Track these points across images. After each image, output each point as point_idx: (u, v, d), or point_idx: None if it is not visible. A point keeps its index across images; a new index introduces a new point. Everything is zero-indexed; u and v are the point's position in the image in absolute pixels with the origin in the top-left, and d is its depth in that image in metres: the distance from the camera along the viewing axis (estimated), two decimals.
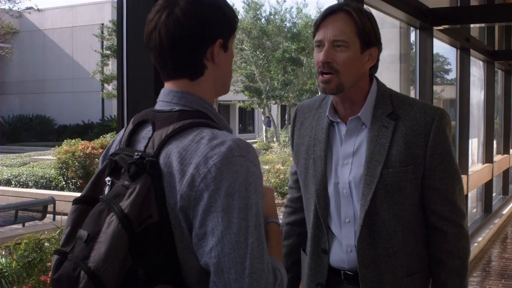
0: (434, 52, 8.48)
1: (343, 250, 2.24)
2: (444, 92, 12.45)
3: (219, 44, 1.57)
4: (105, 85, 31.94)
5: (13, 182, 16.57)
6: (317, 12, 29.20)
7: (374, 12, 6.01)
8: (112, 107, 32.66)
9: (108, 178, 1.53)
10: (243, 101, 33.77)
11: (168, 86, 1.60)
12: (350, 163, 2.21)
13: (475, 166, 10.07)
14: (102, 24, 32.31)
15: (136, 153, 1.47)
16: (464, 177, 8.19)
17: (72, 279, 1.38)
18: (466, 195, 8.24)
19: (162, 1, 1.56)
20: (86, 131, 33.58)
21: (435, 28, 6.23)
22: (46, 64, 39.21)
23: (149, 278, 1.40)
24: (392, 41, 6.45)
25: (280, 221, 1.76)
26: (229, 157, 1.41)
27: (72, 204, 1.55)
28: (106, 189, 1.52)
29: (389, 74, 6.42)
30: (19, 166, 19.50)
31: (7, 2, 25.04)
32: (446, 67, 11.18)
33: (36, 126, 37.32)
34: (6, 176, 16.87)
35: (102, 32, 31.62)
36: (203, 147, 1.43)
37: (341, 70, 2.10)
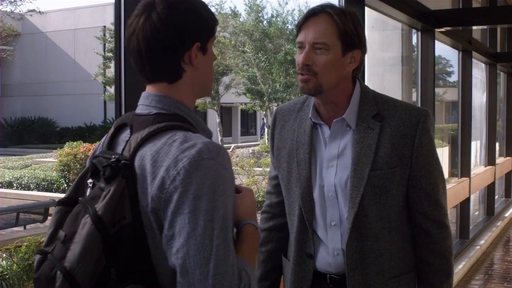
0: (436, 54, 8.45)
1: (329, 253, 2.23)
2: (446, 95, 12.44)
3: (196, 47, 1.60)
4: (107, 87, 31.94)
5: (14, 185, 16.58)
6: None
7: (375, 14, 6.02)
8: (114, 110, 32.69)
9: (89, 180, 1.57)
10: (245, 104, 33.75)
11: (148, 89, 1.64)
12: (335, 165, 2.20)
13: (478, 168, 10.06)
14: (104, 26, 32.30)
15: (113, 156, 1.51)
16: (466, 179, 8.18)
17: (50, 278, 1.43)
18: (468, 198, 8.22)
19: (141, 6, 1.60)
20: (88, 133, 33.63)
21: (437, 30, 6.21)
22: (48, 67, 39.24)
23: (122, 278, 1.43)
24: (394, 43, 6.44)
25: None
26: (198, 160, 1.44)
27: (56, 205, 1.59)
28: (88, 191, 1.57)
29: (391, 76, 6.41)
30: (21, 169, 19.51)
31: (9, 4, 25.05)
32: (448, 69, 11.18)
33: (38, 128, 37.34)
34: (7, 179, 16.88)
35: (104, 35, 31.63)
36: (174, 150, 1.46)
37: (319, 72, 2.09)
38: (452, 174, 9.05)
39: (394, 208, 2.17)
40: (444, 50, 8.53)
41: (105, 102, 35.01)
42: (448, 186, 7.58)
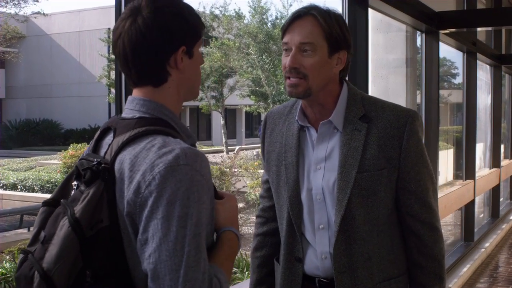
0: (441, 56, 8.42)
1: (317, 257, 2.21)
2: (451, 97, 12.39)
3: (182, 51, 1.61)
4: (112, 89, 31.97)
5: (19, 187, 16.61)
6: None
7: (379, 16, 5.99)
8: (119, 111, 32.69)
9: (75, 182, 1.58)
10: (250, 106, 33.74)
11: (134, 93, 1.66)
12: (323, 168, 2.18)
13: (482, 171, 10.02)
14: (109, 28, 32.34)
15: (95, 159, 1.52)
16: (471, 182, 8.15)
17: (28, 278, 1.45)
18: (473, 201, 8.18)
19: (127, 9, 1.62)
20: (92, 135, 33.42)
21: (441, 31, 6.19)
22: (53, 69, 39.34)
23: (97, 280, 1.44)
24: (398, 45, 6.42)
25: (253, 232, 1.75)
26: (174, 166, 1.44)
27: (41, 206, 1.61)
28: (72, 193, 1.58)
29: (395, 78, 6.39)
30: (25, 171, 19.54)
31: (13, 6, 25.08)
32: (453, 71, 11.13)
33: (43, 130, 37.42)
34: (12, 181, 16.91)
35: (109, 37, 31.63)
36: (152, 154, 1.48)
37: (309, 74, 2.09)
38: (456, 177, 9.01)
39: (383, 210, 2.16)
40: (448, 52, 8.50)
41: (109, 104, 35.03)
42: (452, 189, 7.59)
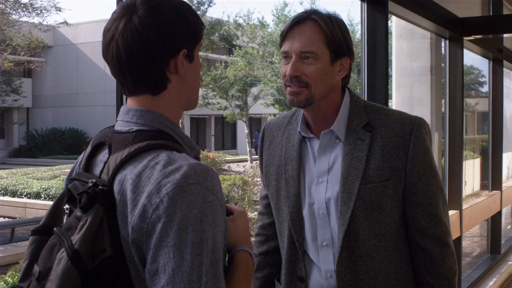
0: (468, 64, 8.23)
1: (322, 276, 2.07)
2: (479, 105, 12.20)
3: (183, 54, 1.44)
4: None
5: (42, 195, 16.66)
6: (348, 25, 29.02)
7: (403, 23, 5.87)
8: None
9: (66, 206, 1.40)
10: (274, 115, 33.65)
11: (128, 103, 1.47)
12: (326, 181, 2.05)
13: (510, 181, 9.79)
14: None
15: (90, 180, 1.34)
16: (497, 192, 7.94)
17: None
18: (500, 212, 7.98)
19: (120, 8, 1.43)
20: None
21: (465, 38, 6.01)
22: (79, 78, 39.66)
23: None
24: (422, 52, 6.29)
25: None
26: (183, 186, 1.28)
27: (30, 235, 1.44)
28: (65, 218, 1.40)
29: (419, 86, 6.26)
30: (49, 179, 19.63)
31: (36, 16, 25.31)
32: (480, 79, 10.96)
33: (69, 139, 37.70)
34: (35, 189, 16.98)
35: None
36: (157, 173, 1.30)
37: (311, 83, 1.97)
38: (483, 187, 8.83)
39: (389, 225, 2.02)
40: (475, 60, 8.34)
41: None
42: (478, 200, 7.39)
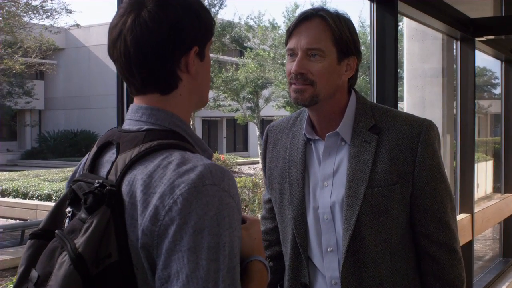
0: (481, 65, 8.13)
1: (326, 283, 2.01)
2: (492, 107, 12.12)
3: (194, 52, 1.36)
4: None
5: (53, 197, 16.67)
6: (360, 27, 28.92)
7: (414, 24, 5.80)
8: None
9: (68, 209, 1.32)
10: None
11: (137, 101, 1.39)
12: (331, 184, 1.99)
13: None
14: None
15: (96, 181, 1.26)
16: (510, 195, 7.84)
17: None
18: None
19: (127, 4, 1.35)
20: None
21: (477, 39, 5.93)
22: (91, 80, 39.76)
23: None
24: (434, 54, 6.22)
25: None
26: (199, 186, 1.20)
27: (28, 239, 1.36)
28: (66, 222, 1.32)
29: (431, 88, 6.20)
30: (60, 181, 19.65)
31: (46, 18, 25.36)
32: (493, 81, 10.88)
33: (81, 141, 37.76)
34: (46, 191, 16.99)
35: None
36: (170, 173, 1.22)
37: (317, 81, 1.91)
38: (496, 189, 8.74)
39: (396, 230, 1.96)
40: (488, 61, 8.25)
41: None
42: (490, 203, 7.29)
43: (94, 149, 1.43)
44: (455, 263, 2.00)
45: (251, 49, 29.29)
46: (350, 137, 2.00)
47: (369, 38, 3.90)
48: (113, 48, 1.36)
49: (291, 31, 1.99)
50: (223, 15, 68.48)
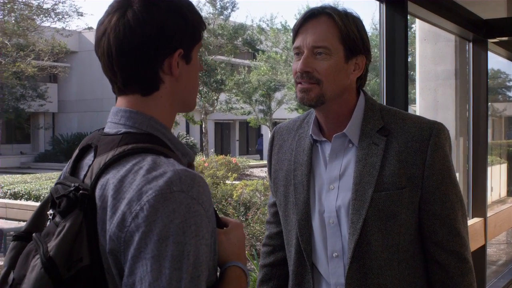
0: (495, 68, 8.04)
1: None
2: (506, 110, 12.03)
3: (179, 54, 1.35)
4: None
5: None
6: (373, 29, 28.82)
7: (427, 26, 5.73)
8: None
9: (50, 211, 1.32)
10: None
11: (118, 103, 1.39)
12: (337, 187, 1.93)
13: None
14: None
15: (73, 184, 1.26)
16: None
17: None
18: None
19: (115, 2, 1.35)
20: None
21: (489, 40, 5.85)
22: (104, 83, 39.66)
23: None
24: (447, 56, 6.14)
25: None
26: (166, 193, 1.19)
27: (11, 241, 1.36)
28: (48, 224, 1.32)
29: (444, 90, 6.13)
30: None
31: (57, 21, 25.46)
32: (508, 83, 10.79)
33: None
34: None
35: None
36: (139, 179, 1.21)
37: (324, 80, 1.85)
38: (510, 193, 8.65)
39: (403, 236, 1.89)
40: (503, 64, 8.17)
41: None
42: (504, 207, 7.20)
43: (76, 151, 1.42)
44: (465, 272, 1.93)
45: (263, 51, 29.29)
46: (358, 139, 1.94)
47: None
48: (98, 46, 1.37)
49: (297, 29, 1.94)
50: (235, 17, 68.80)
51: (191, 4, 1.41)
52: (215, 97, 28.26)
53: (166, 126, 1.39)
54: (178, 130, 32.68)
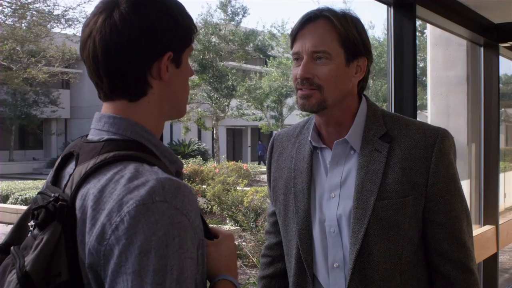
0: (509, 72, 7.94)
1: None
2: None
3: (168, 58, 1.28)
4: None
5: None
6: (385, 34, 28.69)
7: (438, 31, 5.65)
8: (180, 131, 33.00)
9: (31, 223, 1.24)
10: None
11: (103, 108, 1.32)
12: (338, 195, 1.86)
13: None
14: None
15: (53, 194, 1.19)
16: None
17: None
18: None
19: (101, 3, 1.28)
20: None
21: (501, 45, 5.76)
22: None
23: None
24: (458, 61, 6.06)
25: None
26: (147, 203, 1.11)
27: None
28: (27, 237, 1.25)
29: (455, 96, 6.05)
30: None
31: (67, 27, 25.54)
32: None
33: None
34: None
35: None
36: (120, 188, 1.13)
37: (325, 86, 1.79)
38: None
39: (406, 246, 1.82)
40: None
41: (171, 124, 35.38)
42: None
43: (59, 159, 1.36)
44: (471, 284, 1.86)
45: (274, 57, 29.25)
46: (360, 146, 1.88)
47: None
48: (83, 49, 1.30)
49: (295, 34, 1.88)
50: (247, 23, 68.83)
51: (181, 6, 1.35)
52: (226, 103, 28.24)
53: (153, 133, 1.32)
54: (190, 136, 32.70)
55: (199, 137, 36.36)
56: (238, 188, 14.79)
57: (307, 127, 2.03)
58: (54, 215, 1.17)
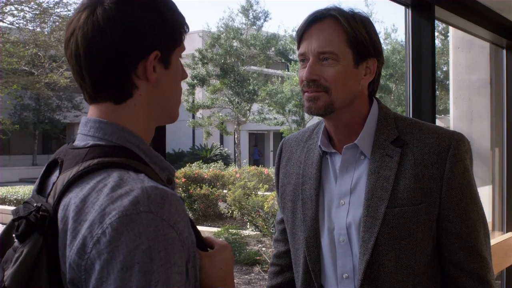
0: None
1: None
2: None
3: (155, 57, 1.20)
4: (193, 114, 32.25)
5: None
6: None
7: (461, 34, 5.53)
8: (202, 136, 33.05)
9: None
10: None
11: (90, 112, 1.24)
12: (347, 203, 1.78)
13: None
14: (192, 54, 32.75)
15: (36, 204, 1.12)
16: None
17: None
18: None
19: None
20: (177, 160, 34.06)
21: None
22: None
23: None
24: (481, 64, 5.94)
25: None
26: (131, 214, 1.03)
27: None
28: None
29: (478, 100, 5.92)
30: None
31: None
32: None
33: None
34: None
35: (195, 61, 31.72)
36: (103, 198, 1.06)
37: (332, 88, 1.70)
38: None
39: (419, 256, 1.72)
40: None
41: (193, 128, 35.43)
42: None
43: (44, 167, 1.29)
44: None
45: (296, 61, 29.12)
46: (371, 151, 1.80)
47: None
48: (66, 48, 1.24)
49: (301, 35, 1.80)
50: (268, 27, 68.86)
51: (171, 3, 1.27)
52: (248, 108, 28.18)
53: (141, 138, 1.25)
54: (212, 140, 32.69)
55: (221, 142, 36.34)
56: (259, 193, 14.72)
57: (317, 131, 1.96)
58: (35, 227, 1.10)
